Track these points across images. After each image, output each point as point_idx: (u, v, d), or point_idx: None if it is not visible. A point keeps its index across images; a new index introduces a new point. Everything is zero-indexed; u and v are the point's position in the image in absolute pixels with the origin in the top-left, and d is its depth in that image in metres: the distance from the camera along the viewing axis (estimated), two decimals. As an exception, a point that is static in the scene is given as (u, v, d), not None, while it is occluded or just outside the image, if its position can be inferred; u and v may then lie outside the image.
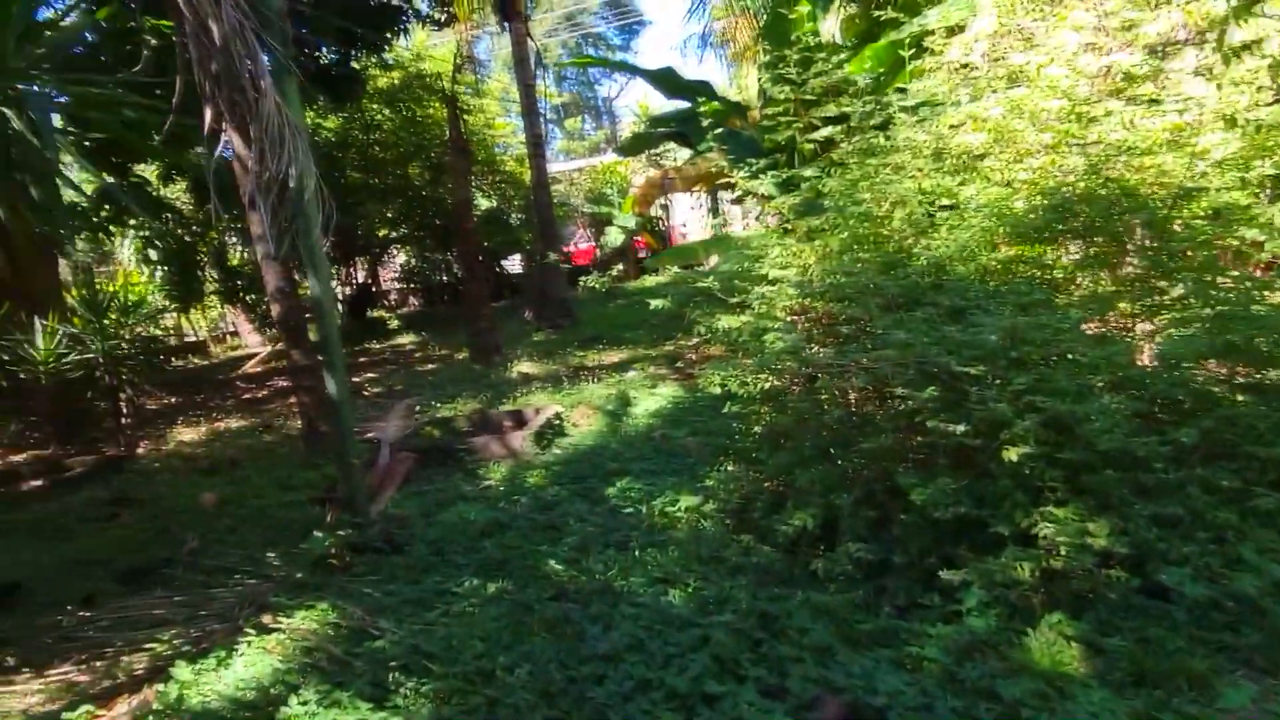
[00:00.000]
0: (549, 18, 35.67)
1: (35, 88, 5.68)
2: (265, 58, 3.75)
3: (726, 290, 4.38)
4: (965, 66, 5.19)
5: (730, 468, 4.66)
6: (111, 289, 8.02)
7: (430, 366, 11.60)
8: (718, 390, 4.73)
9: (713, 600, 3.30)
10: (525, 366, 10.02)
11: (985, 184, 4.31)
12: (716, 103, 7.55)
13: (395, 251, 21.03)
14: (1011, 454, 2.86)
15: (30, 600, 4.28)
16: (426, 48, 17.92)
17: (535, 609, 3.38)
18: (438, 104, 16.01)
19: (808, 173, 4.32)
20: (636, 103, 22.14)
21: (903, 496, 3.35)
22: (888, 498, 3.50)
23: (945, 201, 4.58)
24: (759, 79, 7.85)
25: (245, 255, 14.67)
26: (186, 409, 10.30)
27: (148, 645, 3.44)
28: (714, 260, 10.45)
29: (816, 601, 3.17)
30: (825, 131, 4.41)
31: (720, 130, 7.69)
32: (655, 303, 4.75)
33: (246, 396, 10.92)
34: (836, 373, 3.42)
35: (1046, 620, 2.76)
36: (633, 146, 10.24)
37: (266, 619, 3.54)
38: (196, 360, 16.88)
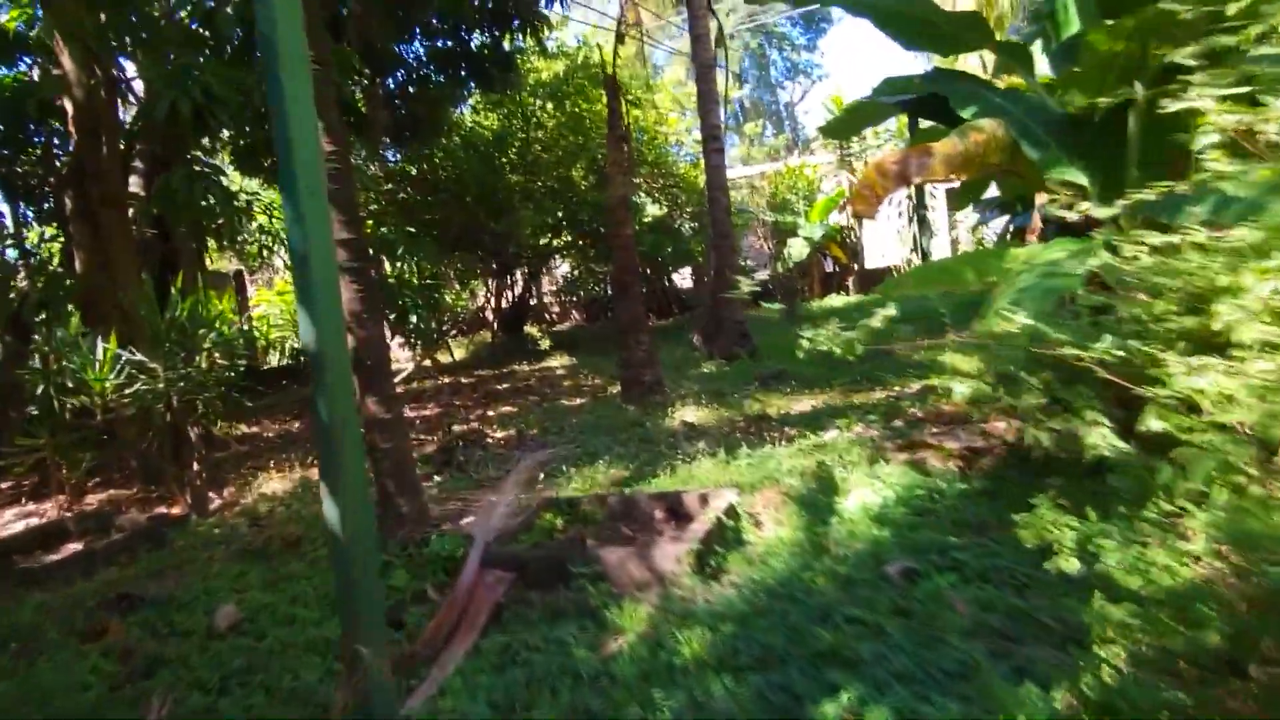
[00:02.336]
0: (731, 19, 33.66)
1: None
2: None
3: (1112, 363, 2.01)
4: None
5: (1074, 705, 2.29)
6: (200, 304, 6.58)
7: (578, 402, 9.69)
8: (1062, 558, 2.36)
9: None
10: (689, 413, 7.86)
11: None
12: (992, 47, 5.09)
13: (557, 261, 19.57)
14: None
15: None
16: (598, 43, 16.29)
17: None
18: (604, 98, 14.28)
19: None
20: (829, 97, 19.46)
21: None
22: None
23: None
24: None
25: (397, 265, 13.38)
26: (296, 443, 8.94)
27: None
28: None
29: None
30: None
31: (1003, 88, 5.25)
32: (959, 388, 2.41)
33: (366, 430, 9.46)
34: None
35: None
36: (844, 126, 7.76)
37: None
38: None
